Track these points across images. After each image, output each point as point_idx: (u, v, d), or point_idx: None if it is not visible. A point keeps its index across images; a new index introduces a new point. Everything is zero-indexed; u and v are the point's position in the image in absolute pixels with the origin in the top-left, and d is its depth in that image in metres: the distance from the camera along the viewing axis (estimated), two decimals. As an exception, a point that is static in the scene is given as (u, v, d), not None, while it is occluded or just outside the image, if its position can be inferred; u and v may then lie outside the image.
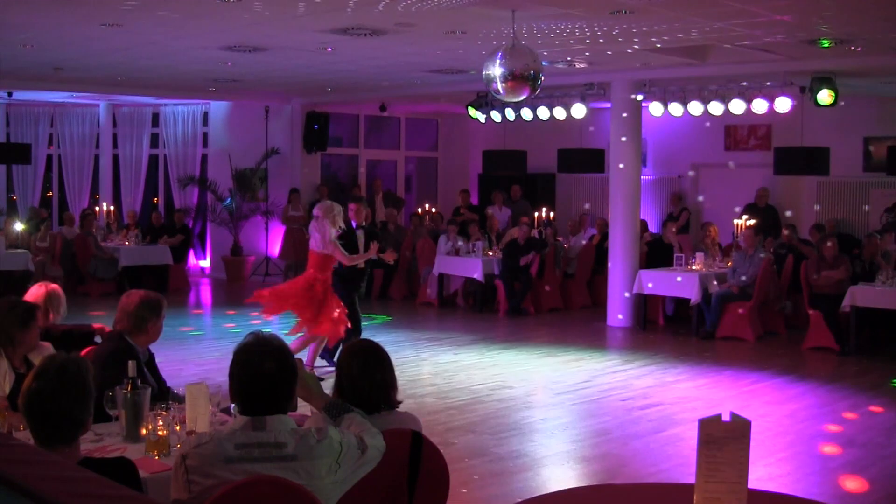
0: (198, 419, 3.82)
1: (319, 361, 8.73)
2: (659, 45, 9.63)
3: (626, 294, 11.88)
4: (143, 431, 3.70)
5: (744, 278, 11.08)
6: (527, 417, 7.55)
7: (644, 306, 11.87)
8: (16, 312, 4.54)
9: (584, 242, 13.91)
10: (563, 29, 8.68)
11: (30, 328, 4.56)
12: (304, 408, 3.48)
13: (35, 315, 4.64)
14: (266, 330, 3.15)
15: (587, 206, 16.11)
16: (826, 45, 9.27)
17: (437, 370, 9.25)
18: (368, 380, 3.50)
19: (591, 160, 14.02)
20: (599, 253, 13.45)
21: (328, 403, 3.29)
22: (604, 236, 13.65)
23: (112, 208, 16.15)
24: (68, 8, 7.99)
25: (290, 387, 2.98)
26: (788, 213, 13.20)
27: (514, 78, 7.48)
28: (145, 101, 16.47)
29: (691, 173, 15.41)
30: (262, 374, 2.91)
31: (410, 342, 10.62)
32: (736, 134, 14.85)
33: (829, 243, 10.63)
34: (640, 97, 12.09)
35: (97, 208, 16.27)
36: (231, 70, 12.03)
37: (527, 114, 13.75)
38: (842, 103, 11.31)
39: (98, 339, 5.59)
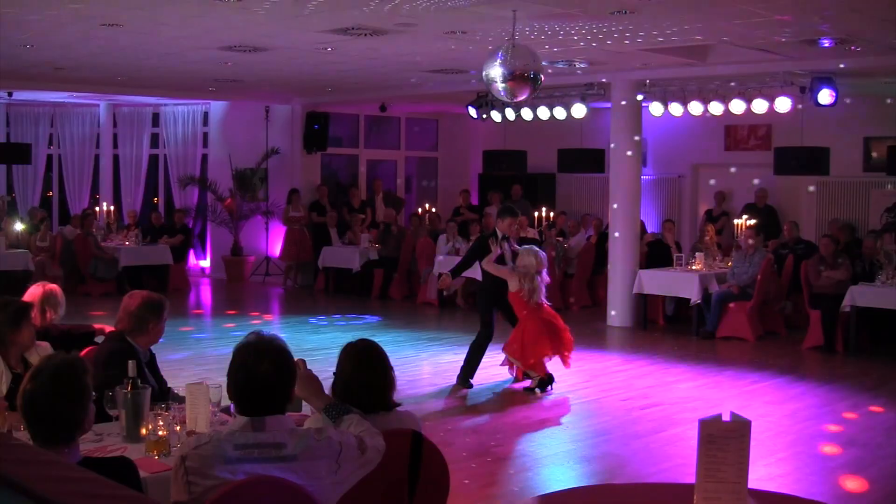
0: (198, 419, 3.82)
1: None
2: (659, 46, 9.63)
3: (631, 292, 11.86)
4: (143, 431, 3.70)
5: (744, 278, 11.08)
6: (527, 418, 7.54)
7: (644, 306, 11.87)
8: (7, 312, 4.51)
9: (584, 242, 13.91)
10: (563, 29, 8.68)
11: (22, 328, 4.53)
12: (306, 408, 3.48)
13: (27, 314, 4.60)
14: (267, 329, 3.14)
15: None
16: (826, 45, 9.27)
17: (437, 370, 9.24)
18: (361, 380, 3.49)
19: (591, 160, 14.03)
20: (599, 253, 13.44)
21: (328, 405, 3.29)
22: (602, 236, 13.65)
23: (112, 208, 16.14)
24: (68, 8, 7.99)
25: (287, 388, 2.98)
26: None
27: (514, 78, 7.48)
28: (145, 101, 16.47)
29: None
30: (258, 376, 2.91)
31: (410, 342, 10.62)
32: (736, 134, 14.84)
33: (823, 241, 10.68)
34: (640, 97, 12.09)
35: (97, 208, 16.27)
36: (231, 70, 12.02)
37: (527, 114, 13.75)
38: (843, 102, 11.30)
39: (98, 339, 5.59)
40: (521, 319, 8.23)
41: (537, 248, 8.37)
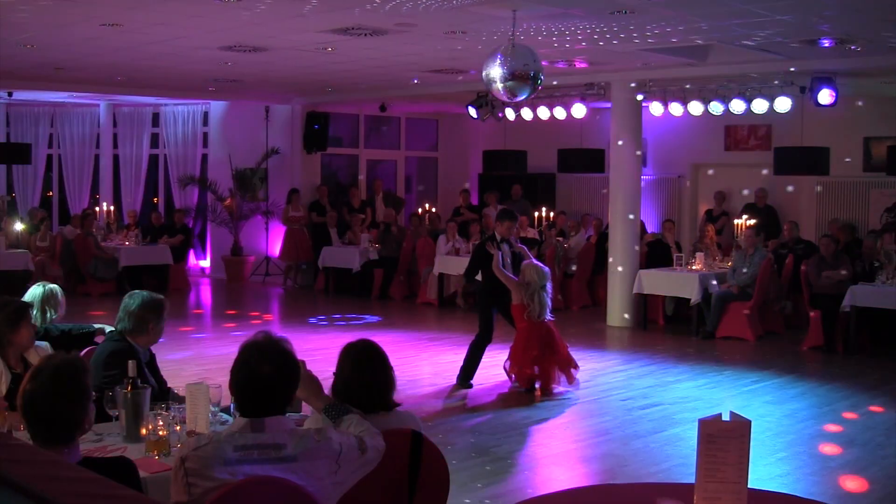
0: (198, 419, 3.82)
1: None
2: (659, 45, 9.63)
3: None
4: (143, 431, 3.70)
5: (744, 277, 11.08)
6: (527, 417, 7.54)
7: (644, 306, 11.87)
8: (6, 312, 4.51)
9: (584, 242, 13.91)
10: (563, 29, 8.68)
11: (20, 328, 4.53)
12: (306, 408, 3.48)
13: (26, 314, 4.60)
14: (273, 330, 3.14)
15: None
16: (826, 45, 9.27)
17: (437, 370, 9.24)
18: (361, 380, 3.50)
19: (591, 160, 14.03)
20: (599, 253, 13.44)
21: (328, 405, 3.29)
22: (602, 236, 13.65)
23: (112, 208, 16.14)
24: (68, 8, 7.99)
25: (288, 391, 2.98)
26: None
27: (514, 78, 7.48)
28: (145, 101, 16.47)
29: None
30: (258, 377, 2.91)
31: (410, 342, 10.62)
32: (736, 134, 14.84)
33: (824, 241, 10.69)
34: (640, 97, 12.09)
35: (97, 208, 16.28)
36: (231, 70, 12.03)
37: (527, 114, 13.75)
38: (843, 102, 11.29)
39: (98, 339, 5.59)
40: (518, 331, 8.24)
41: (539, 263, 8.34)
